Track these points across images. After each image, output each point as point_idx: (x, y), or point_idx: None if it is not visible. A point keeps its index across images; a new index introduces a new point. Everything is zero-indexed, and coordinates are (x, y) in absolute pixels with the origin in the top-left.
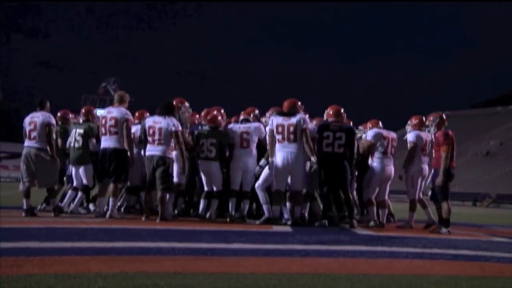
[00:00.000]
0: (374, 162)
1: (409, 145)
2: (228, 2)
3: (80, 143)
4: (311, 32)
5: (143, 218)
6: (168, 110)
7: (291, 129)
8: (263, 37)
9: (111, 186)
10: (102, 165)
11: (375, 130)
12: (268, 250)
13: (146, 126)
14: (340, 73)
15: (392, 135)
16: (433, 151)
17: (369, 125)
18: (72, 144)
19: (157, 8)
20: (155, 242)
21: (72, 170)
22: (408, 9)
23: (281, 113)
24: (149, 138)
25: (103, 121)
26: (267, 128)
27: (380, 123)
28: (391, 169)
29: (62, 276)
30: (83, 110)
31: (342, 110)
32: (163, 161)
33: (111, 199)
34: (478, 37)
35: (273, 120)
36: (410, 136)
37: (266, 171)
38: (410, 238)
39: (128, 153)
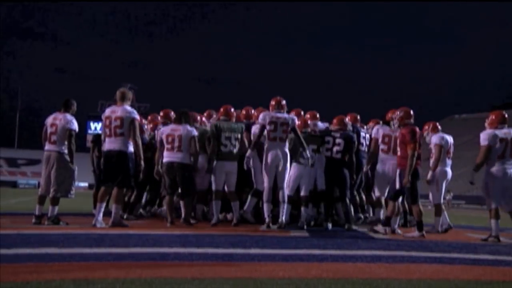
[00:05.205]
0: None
1: (434, 148)
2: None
3: None
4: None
5: (168, 224)
6: (184, 118)
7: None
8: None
9: (114, 191)
10: (106, 169)
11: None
12: (286, 255)
13: (164, 135)
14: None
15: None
16: (398, 148)
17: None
18: None
19: (172, 14)
20: (173, 247)
21: None
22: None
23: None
24: (168, 146)
25: (107, 122)
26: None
27: None
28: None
29: (81, 281)
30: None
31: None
32: (184, 167)
33: (114, 206)
34: (496, 37)
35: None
36: (435, 139)
37: None
38: (428, 242)
39: (134, 156)
